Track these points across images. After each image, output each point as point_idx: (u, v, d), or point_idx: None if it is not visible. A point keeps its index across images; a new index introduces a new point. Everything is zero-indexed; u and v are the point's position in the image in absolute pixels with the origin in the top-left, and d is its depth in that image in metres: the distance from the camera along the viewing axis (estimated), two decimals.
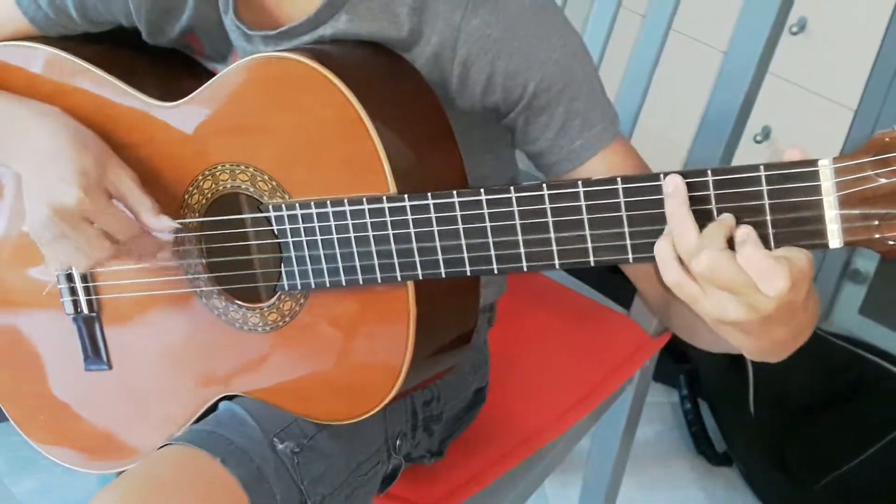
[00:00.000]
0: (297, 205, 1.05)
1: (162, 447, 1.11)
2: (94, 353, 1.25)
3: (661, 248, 0.89)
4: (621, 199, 0.90)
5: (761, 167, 0.85)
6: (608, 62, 1.65)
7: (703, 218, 0.87)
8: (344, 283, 1.05)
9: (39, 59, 1.20)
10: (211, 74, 1.11)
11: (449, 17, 1.07)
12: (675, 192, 0.88)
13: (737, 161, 1.53)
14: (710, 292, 0.87)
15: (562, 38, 1.10)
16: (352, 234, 1.03)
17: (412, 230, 1.00)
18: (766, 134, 2.32)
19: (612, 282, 1.61)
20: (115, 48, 1.21)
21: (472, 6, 1.07)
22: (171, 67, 1.20)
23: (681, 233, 0.87)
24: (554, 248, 0.95)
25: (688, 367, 2.28)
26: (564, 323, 1.63)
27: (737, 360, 2.14)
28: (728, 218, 0.87)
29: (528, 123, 1.12)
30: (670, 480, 2.17)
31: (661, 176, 0.88)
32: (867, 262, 2.28)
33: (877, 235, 0.83)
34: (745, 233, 0.85)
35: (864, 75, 2.19)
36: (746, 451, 2.15)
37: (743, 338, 0.92)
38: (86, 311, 1.24)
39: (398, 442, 1.23)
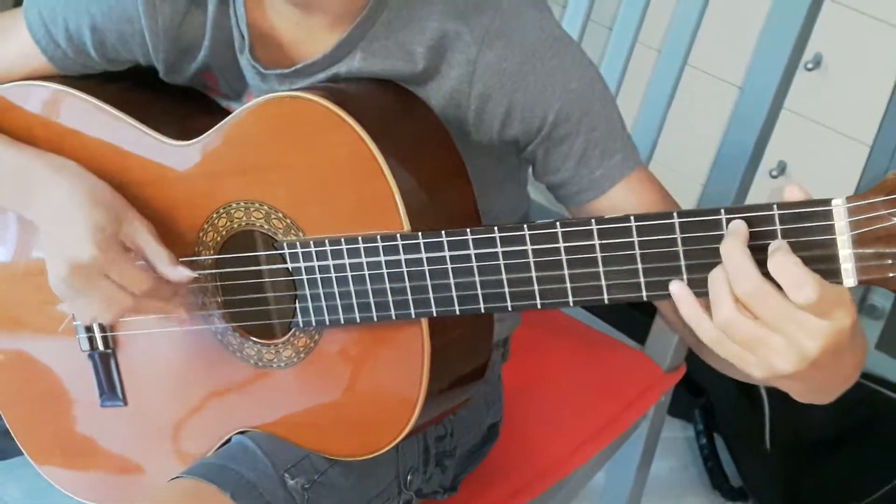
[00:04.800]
0: (312, 242, 1.05)
1: (172, 480, 1.11)
2: (110, 389, 1.25)
3: (717, 279, 0.87)
4: (634, 238, 0.91)
5: (775, 206, 0.85)
6: (624, 97, 1.64)
7: (717, 256, 0.87)
8: (358, 320, 1.05)
9: (55, 99, 1.20)
10: (226, 113, 1.12)
11: (465, 52, 1.08)
12: (734, 231, 0.86)
13: (752, 195, 1.54)
14: (761, 343, 0.86)
15: (579, 69, 1.10)
16: (366, 272, 1.03)
17: (426, 268, 1.00)
18: (781, 169, 2.32)
19: (627, 317, 1.62)
20: (130, 87, 1.22)
21: (488, 40, 1.07)
22: (186, 106, 1.21)
23: (738, 269, 0.85)
24: (567, 285, 0.95)
25: (703, 402, 2.27)
26: (579, 358, 1.63)
27: (752, 395, 2.13)
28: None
29: (548, 154, 1.12)
30: None
31: (674, 214, 0.89)
32: (883, 298, 2.27)
33: (891, 274, 0.83)
34: (779, 243, 0.85)
35: (880, 111, 2.19)
36: (762, 487, 2.14)
37: (790, 384, 0.93)
38: (101, 347, 1.24)
39: (409, 477, 1.23)
